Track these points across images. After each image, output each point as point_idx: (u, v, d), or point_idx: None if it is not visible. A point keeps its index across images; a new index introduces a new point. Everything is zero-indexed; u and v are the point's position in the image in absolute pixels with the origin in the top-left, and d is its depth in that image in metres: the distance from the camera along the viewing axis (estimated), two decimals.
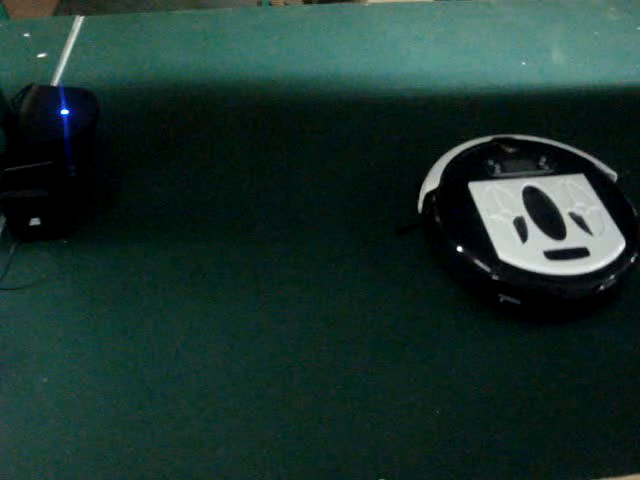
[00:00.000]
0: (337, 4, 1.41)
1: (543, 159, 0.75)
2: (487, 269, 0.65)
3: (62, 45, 1.22)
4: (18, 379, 0.71)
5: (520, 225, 0.68)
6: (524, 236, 0.66)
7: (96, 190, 0.93)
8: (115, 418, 0.68)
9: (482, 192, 0.71)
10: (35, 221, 0.83)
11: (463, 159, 0.77)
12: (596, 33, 1.29)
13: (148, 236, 0.87)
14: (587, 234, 0.66)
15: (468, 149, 0.79)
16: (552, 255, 0.64)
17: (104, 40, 1.25)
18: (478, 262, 0.66)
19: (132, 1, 1.97)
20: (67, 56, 1.20)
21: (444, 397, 0.69)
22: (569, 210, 0.69)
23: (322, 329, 0.76)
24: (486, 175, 0.74)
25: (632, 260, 0.66)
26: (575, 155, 0.77)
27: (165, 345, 0.75)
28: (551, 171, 0.73)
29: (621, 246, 0.65)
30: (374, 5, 1.41)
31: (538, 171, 0.72)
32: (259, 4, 2.06)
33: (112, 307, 0.79)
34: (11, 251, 0.82)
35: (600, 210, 0.69)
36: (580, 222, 0.67)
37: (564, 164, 0.75)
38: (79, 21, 1.29)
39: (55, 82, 1.12)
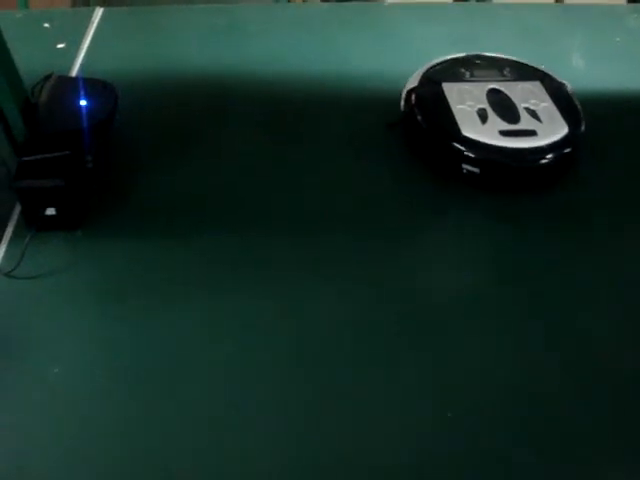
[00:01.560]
0: (356, 3, 1.40)
1: (507, 69, 0.95)
2: (453, 144, 0.82)
3: (81, 36, 1.22)
4: (29, 368, 0.71)
5: (482, 113, 0.84)
6: (484, 120, 0.83)
7: (112, 182, 0.92)
8: (126, 412, 0.68)
9: (453, 90, 0.89)
10: (51, 211, 0.83)
11: (439, 66, 0.98)
12: (617, 39, 1.28)
13: (164, 229, 0.87)
14: (537, 122, 0.83)
15: (445, 60, 1.00)
16: (506, 133, 0.81)
17: (123, 32, 1.25)
18: (446, 139, 0.84)
19: None
20: (86, 47, 1.19)
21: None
22: (524, 105, 0.86)
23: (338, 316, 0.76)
24: (458, 79, 0.93)
25: (570, 143, 0.85)
26: (534, 68, 0.98)
27: (179, 339, 0.74)
28: (513, 78, 0.93)
29: (564, 131, 0.83)
30: (393, 5, 1.40)
31: (502, 77, 0.93)
32: (276, 1, 2.06)
33: (126, 300, 0.78)
34: (26, 240, 0.82)
35: (549, 106, 0.86)
36: (532, 113, 0.84)
37: (524, 74, 0.95)
38: (99, 12, 1.29)
39: (74, 73, 1.12)
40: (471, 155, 0.82)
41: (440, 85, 0.91)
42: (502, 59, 0.99)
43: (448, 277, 0.83)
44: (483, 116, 0.84)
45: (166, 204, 0.90)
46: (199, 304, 0.78)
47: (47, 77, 0.94)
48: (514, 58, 1.00)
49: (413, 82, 0.94)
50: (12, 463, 0.63)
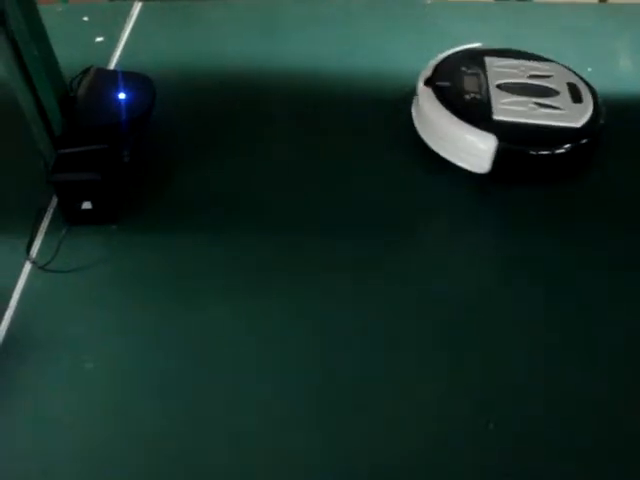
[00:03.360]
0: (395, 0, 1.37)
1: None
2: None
3: (120, 30, 1.22)
4: (64, 364, 0.70)
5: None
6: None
7: (148, 177, 0.92)
8: (159, 408, 0.67)
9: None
10: (87, 205, 0.83)
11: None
12: None
13: (199, 226, 0.86)
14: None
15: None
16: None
17: (162, 26, 1.24)
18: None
19: None
20: (124, 41, 1.19)
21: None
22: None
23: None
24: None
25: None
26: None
27: (212, 337, 0.73)
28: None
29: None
30: (435, 3, 1.37)
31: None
32: None
33: (159, 296, 0.78)
34: (61, 234, 0.82)
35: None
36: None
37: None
38: (137, 6, 1.29)
39: (112, 66, 1.12)
40: None
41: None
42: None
43: (470, 276, 0.81)
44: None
45: (200, 200, 0.89)
46: (231, 302, 0.77)
47: (86, 70, 0.94)
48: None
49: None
50: (43, 459, 0.63)
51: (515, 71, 1.00)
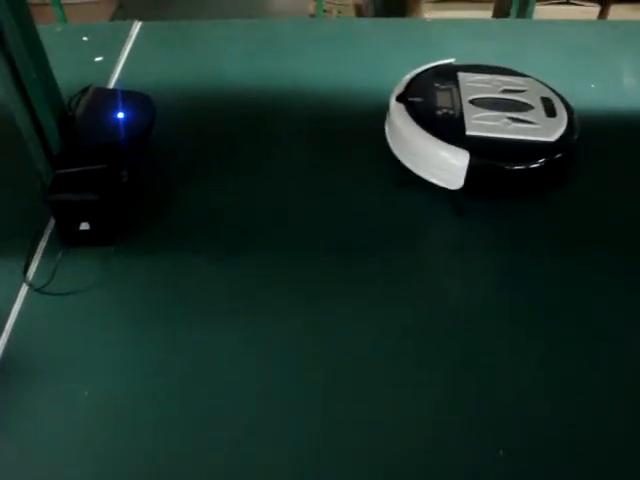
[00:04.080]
0: (396, 18, 1.38)
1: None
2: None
3: (119, 49, 1.21)
4: (60, 390, 0.68)
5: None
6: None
7: (148, 197, 0.90)
8: (159, 436, 0.65)
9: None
10: (84, 226, 0.81)
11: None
12: None
13: (199, 247, 0.84)
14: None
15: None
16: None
17: (161, 46, 1.24)
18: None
19: (189, 9, 1.97)
20: (124, 60, 1.19)
21: None
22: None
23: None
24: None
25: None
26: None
27: (213, 360, 0.71)
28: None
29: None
30: (435, 21, 1.37)
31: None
32: (313, 16, 2.05)
33: (159, 320, 0.76)
34: (59, 256, 0.80)
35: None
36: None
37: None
38: (137, 26, 1.29)
39: (111, 86, 1.11)
40: None
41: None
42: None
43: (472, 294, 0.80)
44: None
45: (200, 221, 0.88)
46: (234, 325, 0.75)
47: (85, 89, 0.93)
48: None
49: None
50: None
51: (488, 86, 1.00)
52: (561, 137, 0.91)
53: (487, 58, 1.08)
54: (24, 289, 0.78)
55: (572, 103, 0.98)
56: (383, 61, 1.19)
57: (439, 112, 0.93)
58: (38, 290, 0.78)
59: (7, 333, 0.74)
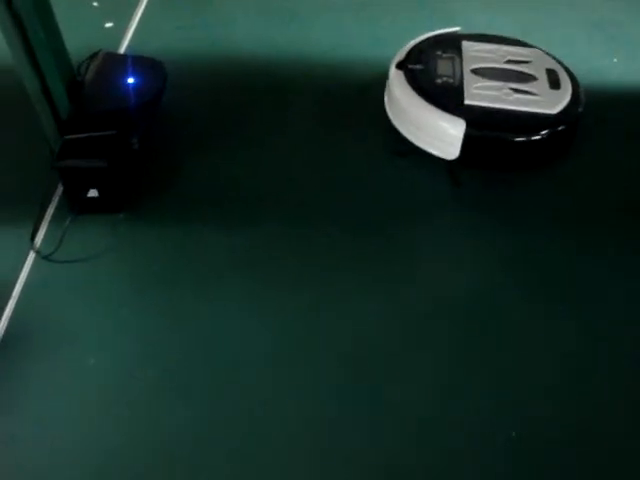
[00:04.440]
0: None
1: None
2: None
3: (130, 15, 1.18)
4: (66, 359, 0.68)
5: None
6: None
7: (157, 165, 0.88)
8: (163, 405, 0.64)
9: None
10: (93, 192, 0.80)
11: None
12: None
13: (208, 216, 0.83)
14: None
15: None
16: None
17: (172, 11, 1.21)
18: None
19: None
20: (134, 26, 1.16)
21: None
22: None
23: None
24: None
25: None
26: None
27: (217, 332, 0.70)
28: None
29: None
30: None
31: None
32: None
33: (166, 289, 0.74)
34: (66, 223, 0.79)
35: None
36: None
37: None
38: None
39: (121, 52, 1.08)
40: None
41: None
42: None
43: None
44: None
45: (212, 190, 0.86)
46: (240, 294, 0.74)
47: (94, 54, 0.91)
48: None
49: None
50: (44, 455, 0.61)
51: (493, 55, 0.98)
52: (564, 110, 0.88)
53: (511, 31, 1.05)
54: (31, 256, 0.77)
55: (586, 76, 0.95)
56: (401, 32, 1.16)
57: (439, 80, 0.92)
58: (45, 258, 0.77)
59: (14, 300, 0.73)
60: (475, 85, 0.90)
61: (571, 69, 0.96)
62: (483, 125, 0.86)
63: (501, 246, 0.81)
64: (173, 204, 0.84)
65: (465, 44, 0.99)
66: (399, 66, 0.95)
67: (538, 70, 0.94)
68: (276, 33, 1.15)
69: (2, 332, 0.70)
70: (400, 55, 0.97)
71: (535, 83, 0.92)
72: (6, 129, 0.94)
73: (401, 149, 0.91)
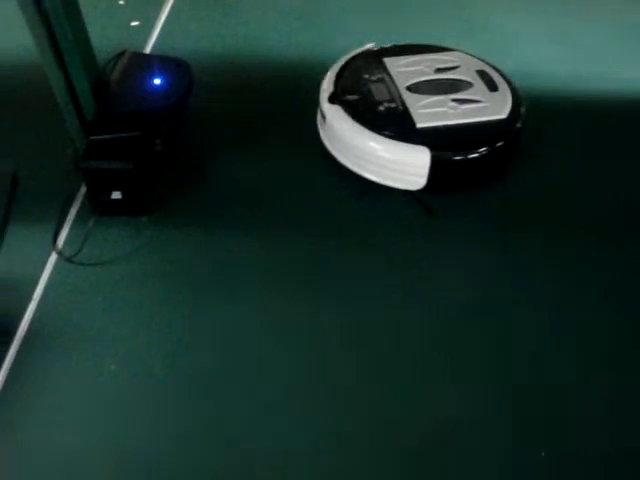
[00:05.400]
0: None
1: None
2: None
3: (156, 14, 1.18)
4: (87, 364, 0.67)
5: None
6: None
7: (182, 167, 0.88)
8: (183, 414, 0.63)
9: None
10: (116, 194, 0.79)
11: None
12: None
13: (233, 219, 0.82)
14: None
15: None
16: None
17: (199, 11, 1.20)
18: None
19: None
20: (160, 25, 1.15)
21: None
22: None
23: None
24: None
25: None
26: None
27: (242, 338, 0.69)
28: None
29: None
30: None
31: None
32: None
33: (189, 293, 0.73)
34: (89, 225, 0.78)
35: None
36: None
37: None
38: None
39: (147, 52, 1.08)
40: None
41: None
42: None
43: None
44: None
45: (237, 192, 0.85)
46: (265, 299, 0.73)
47: (120, 54, 0.90)
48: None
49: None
50: (60, 456, 0.60)
51: (420, 68, 0.92)
52: (512, 112, 0.85)
53: (542, 35, 1.02)
54: (53, 258, 0.77)
55: (630, 87, 0.93)
56: (431, 32, 1.14)
57: (381, 108, 0.85)
58: (68, 259, 0.76)
59: (35, 301, 0.72)
60: (418, 104, 0.85)
61: (495, 65, 0.94)
62: (446, 147, 0.81)
63: (484, 267, 0.78)
64: (197, 207, 0.83)
65: (388, 61, 0.92)
66: (331, 100, 0.87)
67: (469, 74, 0.90)
68: (308, 35, 1.14)
69: (23, 333, 0.69)
70: (328, 87, 0.89)
71: (473, 89, 0.88)
72: (30, 129, 0.93)
73: (362, 189, 0.84)
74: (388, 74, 0.90)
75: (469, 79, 0.89)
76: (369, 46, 0.97)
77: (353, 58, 0.94)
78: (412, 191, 0.83)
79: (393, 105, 0.85)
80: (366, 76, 0.90)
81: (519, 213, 0.83)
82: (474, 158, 0.82)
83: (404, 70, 0.91)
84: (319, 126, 0.91)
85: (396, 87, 0.88)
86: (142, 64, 0.88)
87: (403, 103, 0.85)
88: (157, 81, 0.84)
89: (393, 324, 0.71)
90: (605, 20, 1.19)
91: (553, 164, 0.89)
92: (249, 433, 0.62)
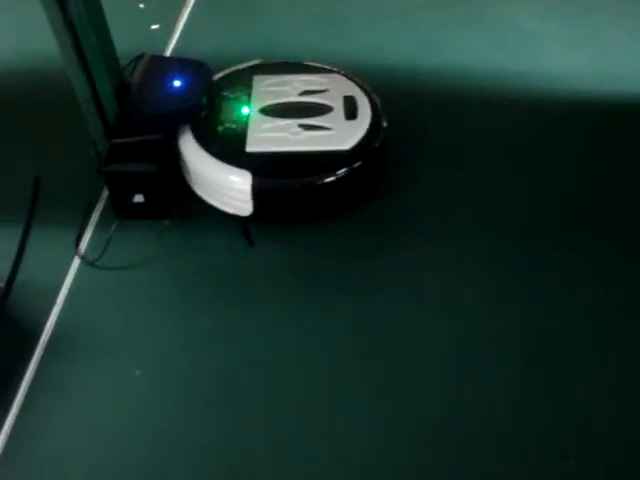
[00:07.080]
0: None
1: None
2: None
3: (176, 17, 1.18)
4: (111, 369, 0.66)
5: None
6: None
7: None
8: (207, 423, 0.62)
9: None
10: (139, 198, 0.79)
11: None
12: None
13: (257, 224, 0.80)
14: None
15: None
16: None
17: (219, 14, 1.20)
18: None
19: None
20: (180, 29, 1.15)
21: None
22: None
23: None
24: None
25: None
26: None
27: (265, 347, 0.68)
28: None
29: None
30: None
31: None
32: None
33: (213, 298, 0.73)
34: (112, 229, 0.78)
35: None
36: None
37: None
38: None
39: (167, 54, 1.08)
40: None
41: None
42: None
43: None
44: None
45: None
46: (291, 308, 0.72)
47: (139, 57, 0.89)
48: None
49: None
50: (83, 464, 0.60)
51: (286, 89, 0.87)
52: (358, 144, 0.79)
53: (564, 39, 0.99)
54: (76, 262, 0.76)
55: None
56: (448, 36, 1.12)
57: (220, 128, 0.81)
58: (91, 264, 0.75)
59: (58, 306, 0.72)
60: (261, 127, 0.80)
61: (375, 91, 0.88)
62: (269, 174, 0.76)
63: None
64: (218, 210, 0.82)
65: (256, 79, 0.88)
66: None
67: (335, 99, 0.84)
68: (332, 39, 1.13)
69: (47, 339, 0.69)
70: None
71: (328, 115, 0.82)
72: (52, 133, 0.94)
73: (191, 210, 0.82)
74: (249, 93, 0.86)
75: (331, 104, 0.84)
76: (255, 62, 0.93)
77: (231, 73, 0.91)
78: (241, 218, 0.78)
79: (233, 126, 0.81)
80: (226, 93, 0.86)
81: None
82: (305, 188, 0.76)
83: (267, 90, 0.87)
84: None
85: (249, 108, 0.84)
86: (162, 67, 0.88)
87: (245, 126, 0.81)
88: (177, 83, 0.83)
89: None
90: None
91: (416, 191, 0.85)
92: (273, 439, 0.61)
